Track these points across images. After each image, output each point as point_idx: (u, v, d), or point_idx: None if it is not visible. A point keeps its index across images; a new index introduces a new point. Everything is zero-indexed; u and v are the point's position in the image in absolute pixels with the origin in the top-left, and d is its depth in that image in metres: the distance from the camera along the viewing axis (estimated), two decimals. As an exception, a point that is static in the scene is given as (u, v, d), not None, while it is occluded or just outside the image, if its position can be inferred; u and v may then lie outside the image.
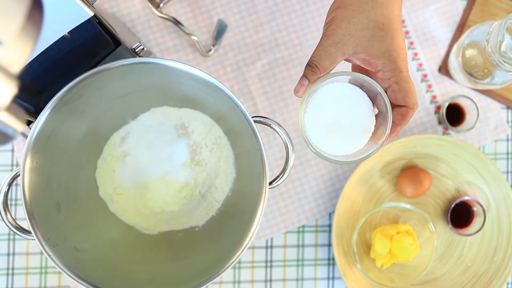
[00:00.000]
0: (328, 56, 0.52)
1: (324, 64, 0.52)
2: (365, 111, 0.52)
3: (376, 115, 0.52)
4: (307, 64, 0.52)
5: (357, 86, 0.52)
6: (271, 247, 0.80)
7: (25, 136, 0.59)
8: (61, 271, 0.59)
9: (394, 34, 0.51)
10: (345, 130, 0.51)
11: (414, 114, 0.82)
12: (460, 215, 0.79)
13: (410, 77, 0.51)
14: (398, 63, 0.50)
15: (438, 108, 0.81)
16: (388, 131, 0.50)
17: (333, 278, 0.80)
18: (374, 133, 0.52)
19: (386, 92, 0.51)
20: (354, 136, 0.52)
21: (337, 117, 0.52)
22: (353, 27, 0.51)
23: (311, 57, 0.52)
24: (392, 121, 0.51)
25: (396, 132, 0.52)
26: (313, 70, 0.52)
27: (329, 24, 0.52)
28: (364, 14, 0.51)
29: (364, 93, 0.52)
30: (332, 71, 0.53)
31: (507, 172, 0.82)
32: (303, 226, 0.80)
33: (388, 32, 0.51)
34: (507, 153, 0.82)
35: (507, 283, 0.79)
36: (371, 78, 0.52)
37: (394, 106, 0.51)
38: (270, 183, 0.61)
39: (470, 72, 0.74)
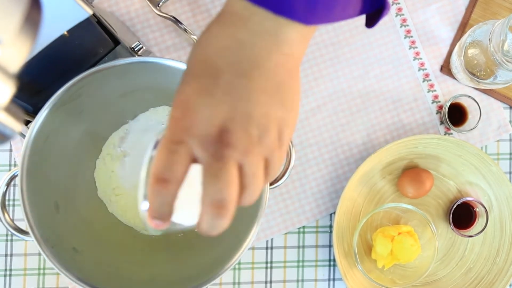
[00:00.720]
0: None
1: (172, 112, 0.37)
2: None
3: None
4: None
5: None
6: (271, 248, 0.79)
7: (23, 136, 0.59)
8: (59, 272, 0.58)
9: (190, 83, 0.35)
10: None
11: (415, 114, 0.82)
12: (462, 216, 0.78)
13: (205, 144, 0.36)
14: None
15: (440, 107, 0.81)
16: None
17: (333, 279, 0.80)
18: None
19: None
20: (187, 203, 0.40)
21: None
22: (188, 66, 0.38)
23: None
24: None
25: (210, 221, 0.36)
26: None
27: None
28: (198, 45, 0.36)
29: None
30: None
31: (510, 172, 0.81)
32: (304, 227, 0.79)
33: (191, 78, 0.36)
34: (510, 154, 0.81)
35: (510, 285, 0.79)
36: None
37: None
38: (271, 184, 0.61)
39: (472, 71, 0.74)
